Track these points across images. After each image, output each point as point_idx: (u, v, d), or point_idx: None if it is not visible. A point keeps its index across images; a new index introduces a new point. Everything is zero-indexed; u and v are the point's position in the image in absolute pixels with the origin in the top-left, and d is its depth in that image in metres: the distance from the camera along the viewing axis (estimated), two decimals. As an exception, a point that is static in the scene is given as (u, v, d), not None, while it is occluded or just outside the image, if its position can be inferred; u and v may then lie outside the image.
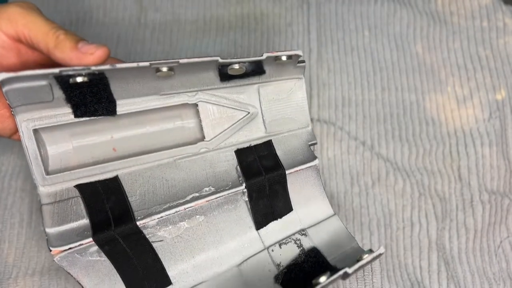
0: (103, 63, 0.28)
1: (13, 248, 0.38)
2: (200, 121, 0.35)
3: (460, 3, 0.49)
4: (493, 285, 0.38)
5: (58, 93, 0.29)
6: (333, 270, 0.29)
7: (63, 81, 0.28)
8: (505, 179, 0.42)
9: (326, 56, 0.47)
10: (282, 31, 0.48)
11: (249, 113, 0.36)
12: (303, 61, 0.35)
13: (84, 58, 0.28)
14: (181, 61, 0.29)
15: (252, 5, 0.49)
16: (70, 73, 0.27)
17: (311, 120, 0.44)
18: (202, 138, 0.35)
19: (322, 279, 0.27)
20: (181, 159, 0.34)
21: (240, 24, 0.48)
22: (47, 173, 0.31)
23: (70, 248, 0.29)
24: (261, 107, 0.36)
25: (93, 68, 0.27)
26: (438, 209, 0.41)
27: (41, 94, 0.28)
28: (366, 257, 0.28)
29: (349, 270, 0.27)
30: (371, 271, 0.38)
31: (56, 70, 0.26)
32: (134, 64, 0.28)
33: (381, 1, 0.50)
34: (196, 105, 0.34)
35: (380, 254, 0.29)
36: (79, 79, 0.27)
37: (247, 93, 0.36)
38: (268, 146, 0.36)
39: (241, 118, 0.36)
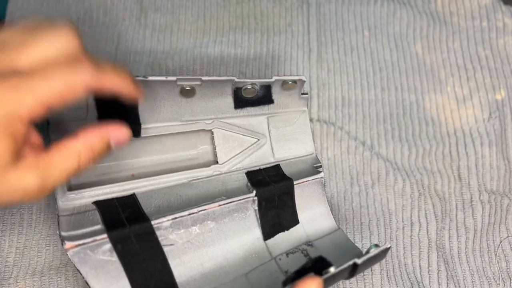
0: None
1: (13, 248, 0.38)
2: (214, 146, 0.38)
3: (460, 3, 0.49)
4: (493, 285, 0.38)
5: (92, 113, 0.31)
6: None
7: (97, 98, 0.31)
8: (504, 179, 0.42)
9: (326, 56, 0.47)
10: (282, 31, 0.48)
11: (259, 139, 0.39)
12: (306, 93, 0.39)
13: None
14: (203, 78, 0.33)
15: (252, 5, 0.49)
16: None
17: (311, 120, 0.44)
18: (215, 162, 0.38)
19: (332, 269, 0.27)
20: (195, 180, 0.37)
21: (240, 24, 0.48)
22: (69, 189, 0.32)
23: (84, 244, 0.29)
24: (270, 135, 0.40)
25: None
26: (437, 209, 0.41)
27: (77, 109, 0.31)
28: (373, 250, 0.29)
29: (358, 261, 0.28)
30: (371, 271, 0.38)
31: None
32: (163, 77, 0.31)
33: (381, 1, 0.50)
34: (211, 132, 0.38)
35: (387, 248, 0.30)
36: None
37: (257, 122, 0.39)
38: (276, 168, 0.39)
39: (252, 144, 0.39)
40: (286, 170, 0.39)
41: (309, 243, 0.37)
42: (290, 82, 0.36)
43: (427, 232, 0.40)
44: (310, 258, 0.35)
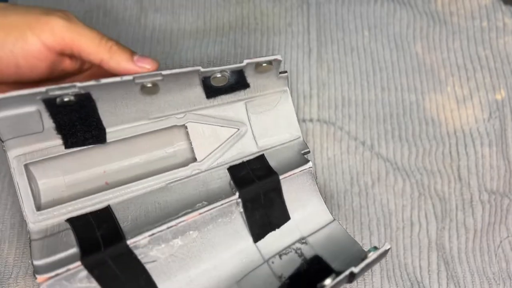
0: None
1: (13, 248, 0.38)
2: (190, 142, 0.35)
3: (460, 3, 0.49)
4: (493, 285, 0.38)
5: (48, 123, 0.28)
6: (338, 274, 0.28)
7: (51, 104, 0.27)
8: (504, 179, 0.42)
9: (326, 56, 0.47)
10: (282, 31, 0.48)
11: (238, 129, 0.36)
12: (285, 72, 0.35)
13: (139, 71, 0.29)
14: (164, 72, 0.29)
15: (252, 5, 0.49)
16: (57, 92, 0.27)
17: (311, 120, 0.44)
18: (194, 159, 0.35)
19: (327, 281, 0.26)
20: (173, 183, 0.34)
21: (240, 24, 0.48)
22: (38, 208, 0.30)
23: (57, 275, 0.27)
24: (250, 123, 0.36)
25: (79, 85, 0.27)
26: (438, 209, 0.41)
27: (31, 123, 0.28)
28: (371, 255, 0.27)
29: (355, 270, 0.26)
30: (371, 271, 0.38)
31: (43, 89, 0.26)
32: (118, 79, 0.28)
33: (381, 1, 0.50)
34: (185, 126, 0.34)
35: (386, 251, 0.28)
36: (66, 99, 0.27)
37: (235, 110, 0.36)
38: (261, 160, 0.36)
39: (231, 136, 0.36)
40: (272, 161, 0.36)
41: (302, 241, 0.34)
42: (265, 64, 0.32)
43: (427, 232, 0.40)
44: (305, 258, 0.33)
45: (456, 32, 0.48)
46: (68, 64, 0.31)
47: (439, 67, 0.47)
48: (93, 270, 0.28)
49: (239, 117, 0.36)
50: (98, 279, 0.29)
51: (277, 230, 0.35)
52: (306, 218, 0.36)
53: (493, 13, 0.48)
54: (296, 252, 0.34)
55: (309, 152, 0.37)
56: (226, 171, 0.35)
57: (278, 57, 0.32)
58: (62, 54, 0.29)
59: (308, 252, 0.34)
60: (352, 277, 0.27)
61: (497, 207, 0.41)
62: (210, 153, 0.35)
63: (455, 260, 0.39)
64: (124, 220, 0.31)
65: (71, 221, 0.30)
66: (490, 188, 0.42)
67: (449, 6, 0.49)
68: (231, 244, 0.33)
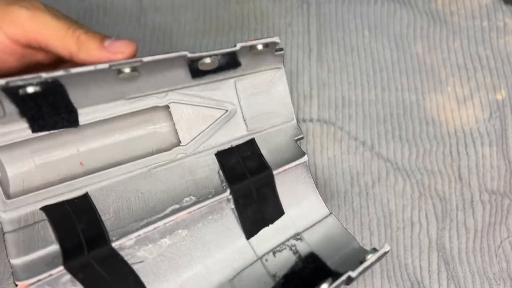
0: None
1: (12, 248, 0.38)
2: (173, 124, 0.32)
3: (460, 3, 0.49)
4: (493, 285, 0.38)
5: (10, 108, 0.25)
6: (334, 275, 0.26)
7: (13, 93, 0.24)
8: (505, 179, 0.42)
9: (326, 56, 0.47)
10: (282, 31, 0.48)
11: (227, 111, 0.33)
12: (281, 49, 0.32)
13: (113, 58, 0.26)
14: (145, 59, 0.26)
15: (252, 5, 0.49)
16: (19, 83, 0.24)
17: (311, 120, 0.44)
18: (178, 143, 0.32)
19: (324, 286, 0.25)
20: (156, 168, 0.31)
21: (240, 24, 0.48)
22: (8, 197, 0.27)
23: (38, 280, 0.25)
24: (239, 103, 0.33)
25: (44, 76, 0.24)
26: (438, 209, 0.41)
27: None
28: (370, 257, 0.26)
29: (352, 274, 0.25)
30: (371, 271, 0.38)
31: (2, 82, 0.23)
32: (92, 67, 0.25)
33: (381, 1, 0.49)
34: (167, 107, 0.31)
35: (385, 253, 0.26)
36: (31, 90, 0.24)
37: (223, 89, 0.33)
38: (251, 145, 0.34)
39: (219, 117, 0.33)
40: (263, 148, 0.34)
41: (297, 237, 0.33)
42: (261, 47, 0.30)
43: (428, 232, 0.40)
44: (300, 256, 0.32)
45: (456, 32, 0.48)
46: (41, 57, 0.28)
47: (440, 67, 0.47)
48: (78, 274, 0.26)
49: (227, 96, 0.33)
50: (83, 283, 0.27)
51: (270, 226, 0.33)
52: (301, 213, 0.34)
53: (494, 13, 0.48)
54: (290, 249, 0.32)
55: (302, 138, 0.36)
56: (214, 157, 0.33)
57: (276, 39, 0.30)
58: (30, 47, 0.26)
59: (303, 249, 0.32)
60: (350, 280, 0.26)
61: (497, 207, 0.41)
62: (196, 136, 0.32)
63: (456, 260, 0.39)
64: (105, 212, 0.29)
65: (46, 209, 0.28)
66: (490, 188, 0.42)
67: (449, 6, 0.49)
68: (222, 241, 0.32)
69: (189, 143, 0.32)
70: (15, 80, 0.23)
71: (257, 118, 0.34)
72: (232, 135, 0.33)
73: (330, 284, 0.25)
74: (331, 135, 0.44)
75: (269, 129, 0.35)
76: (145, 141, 0.32)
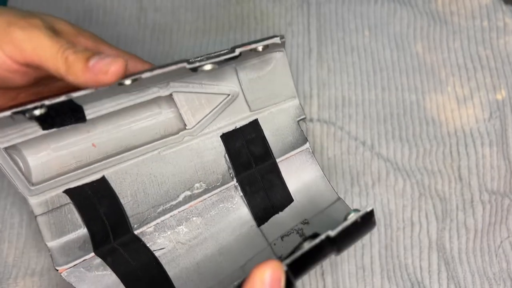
0: (122, 77, 0.25)
1: (13, 248, 0.38)
2: (178, 110, 0.33)
3: (460, 3, 0.49)
4: (494, 286, 0.38)
5: (19, 117, 0.26)
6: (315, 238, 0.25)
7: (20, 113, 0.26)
8: (505, 179, 0.42)
9: (326, 56, 0.47)
10: (282, 31, 0.48)
11: (229, 95, 0.34)
12: (282, 36, 0.33)
13: (99, 79, 0.24)
14: (144, 76, 0.26)
15: (252, 5, 0.49)
16: (24, 109, 0.25)
17: (311, 120, 0.44)
18: (184, 127, 0.33)
19: (305, 244, 0.24)
20: (166, 151, 0.33)
21: (240, 24, 0.48)
22: (32, 184, 0.30)
23: (75, 265, 0.29)
24: (241, 87, 0.34)
25: (47, 103, 0.25)
26: (438, 209, 0.41)
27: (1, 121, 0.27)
28: (352, 216, 0.24)
29: (331, 233, 0.23)
30: (371, 271, 0.38)
31: (7, 114, 0.24)
32: (91, 90, 0.26)
33: (381, 1, 0.49)
34: (171, 95, 0.32)
35: (368, 213, 0.24)
36: (37, 113, 0.25)
37: (224, 76, 0.33)
38: (255, 126, 0.35)
39: (222, 101, 0.34)
40: (266, 129, 0.35)
41: (305, 221, 0.34)
42: (261, 49, 0.30)
43: (428, 232, 0.40)
44: (305, 237, 0.30)
45: (456, 32, 0.48)
46: (46, 72, 0.27)
47: (440, 67, 0.47)
48: (106, 258, 0.30)
49: (229, 82, 0.34)
50: (112, 266, 0.30)
51: (280, 213, 0.34)
52: (310, 198, 0.35)
53: (494, 13, 0.48)
54: (297, 232, 0.34)
55: (304, 118, 0.36)
56: (220, 139, 0.34)
57: (276, 40, 0.30)
58: (30, 66, 0.26)
59: (309, 231, 0.33)
60: (333, 243, 0.23)
61: (497, 207, 0.41)
62: (201, 120, 0.33)
63: (456, 260, 0.39)
64: (124, 195, 0.32)
65: (69, 192, 0.30)
66: (490, 188, 0.42)
67: (449, 6, 0.49)
68: (235, 229, 0.34)
69: (194, 126, 0.33)
70: (19, 111, 0.25)
71: (259, 99, 0.35)
72: (236, 116, 0.35)
73: (310, 243, 0.23)
74: (331, 135, 0.44)
75: (272, 107, 0.35)
76: (152, 127, 0.34)
